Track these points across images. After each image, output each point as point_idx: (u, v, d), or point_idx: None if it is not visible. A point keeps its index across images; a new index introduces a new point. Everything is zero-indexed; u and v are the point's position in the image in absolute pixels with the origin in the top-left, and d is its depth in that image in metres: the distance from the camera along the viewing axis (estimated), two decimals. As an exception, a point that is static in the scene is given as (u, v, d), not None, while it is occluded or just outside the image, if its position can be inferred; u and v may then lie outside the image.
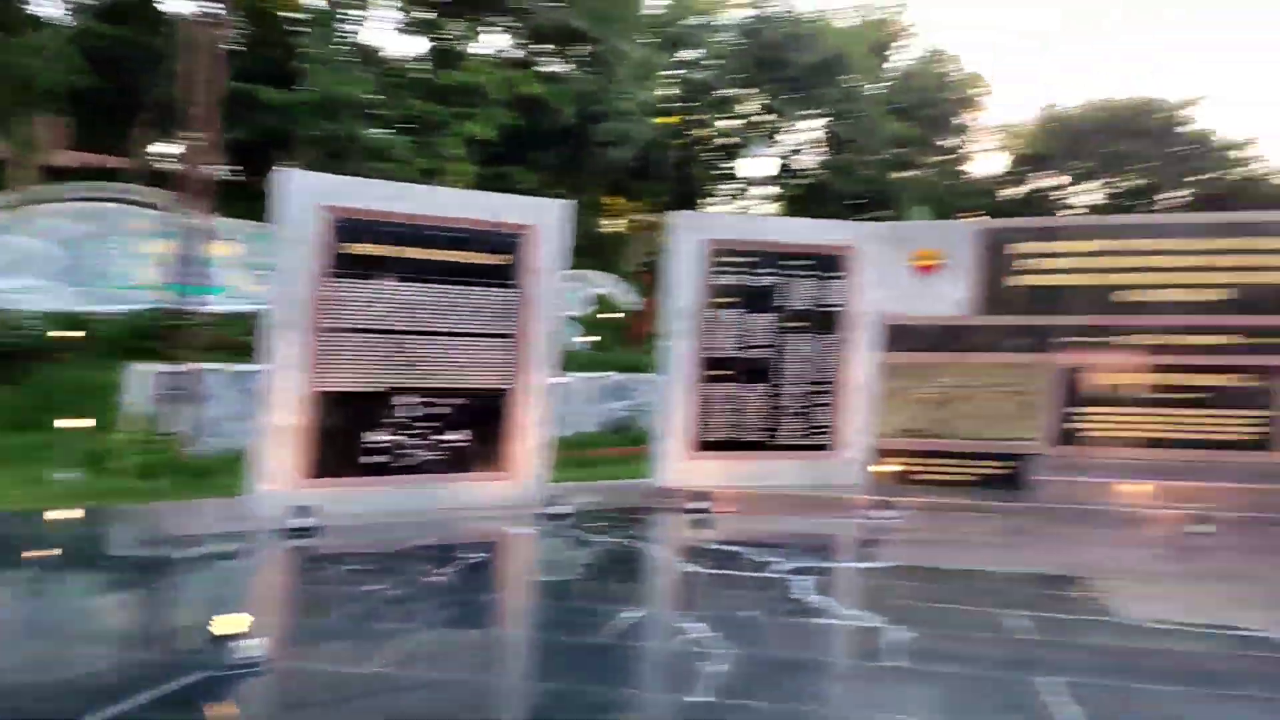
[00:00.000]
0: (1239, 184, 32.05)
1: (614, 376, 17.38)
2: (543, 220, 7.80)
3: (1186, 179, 31.75)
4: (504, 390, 7.62)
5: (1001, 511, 7.75)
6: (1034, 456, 8.50)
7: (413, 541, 6.07)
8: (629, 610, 4.44)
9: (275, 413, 6.74)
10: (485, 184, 20.70)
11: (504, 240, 7.63)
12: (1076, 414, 8.56)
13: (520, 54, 22.01)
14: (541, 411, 7.79)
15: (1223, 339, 8.26)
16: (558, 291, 7.90)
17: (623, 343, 20.45)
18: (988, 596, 4.95)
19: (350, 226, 7.03)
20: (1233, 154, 32.58)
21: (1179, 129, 31.72)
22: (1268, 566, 6.16)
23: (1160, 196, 32.20)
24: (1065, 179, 33.62)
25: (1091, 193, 33.91)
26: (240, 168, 24.38)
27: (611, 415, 16.98)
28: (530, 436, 7.72)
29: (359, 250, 7.09)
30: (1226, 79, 63.59)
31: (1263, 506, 7.46)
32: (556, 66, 23.34)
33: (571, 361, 17.21)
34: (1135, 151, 30.51)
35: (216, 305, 14.33)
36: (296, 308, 6.82)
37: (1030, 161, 32.96)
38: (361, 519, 6.82)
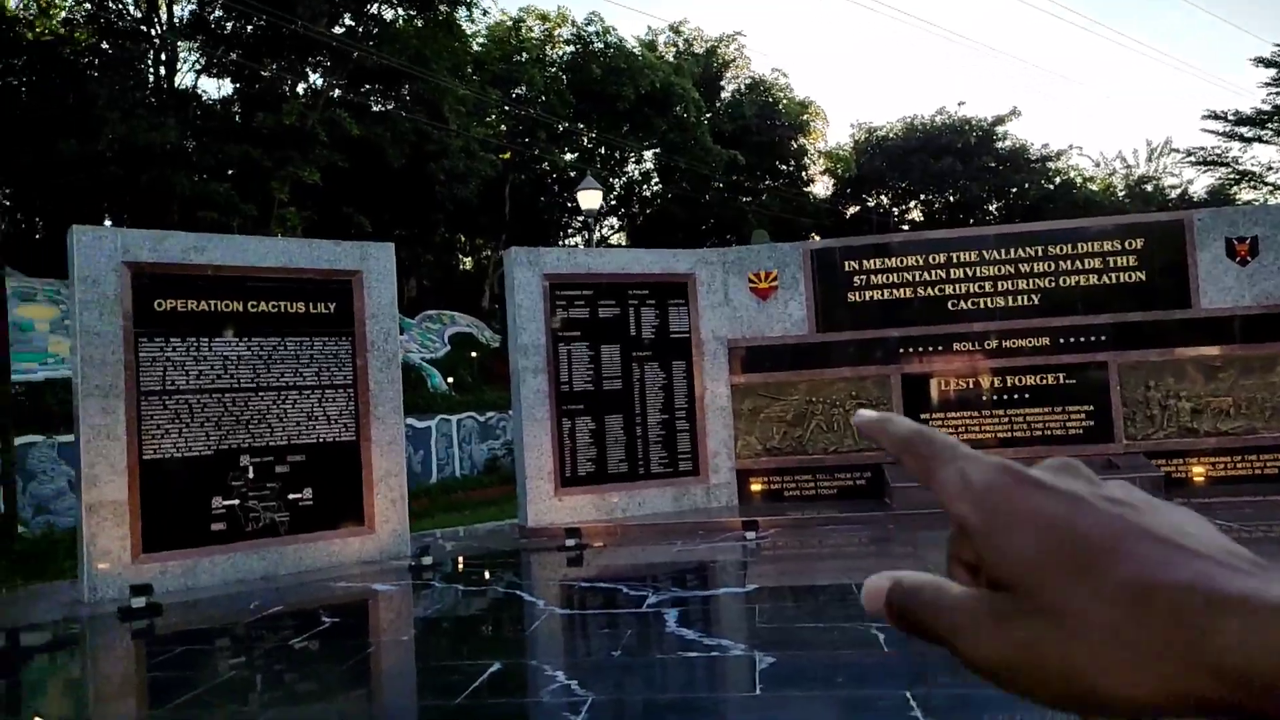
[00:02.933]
0: (1058, 190, 34.73)
1: (478, 417, 17.02)
2: (369, 265, 7.51)
3: (1011, 190, 34.10)
4: (349, 442, 7.27)
5: (863, 522, 7.95)
6: (889, 466, 8.78)
7: (262, 611, 5.63)
8: (497, 664, 4.23)
9: (100, 486, 6.18)
10: (322, 229, 19.96)
11: (329, 287, 7.30)
12: (925, 420, 8.91)
13: (344, 96, 21.43)
14: (395, 460, 7.47)
15: (1051, 339, 8.83)
16: (394, 335, 7.61)
17: (487, 381, 20.07)
18: (847, 612, 5.00)
19: (157, 282, 6.56)
20: (1049, 165, 35.28)
21: (997, 144, 34.09)
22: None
23: (980, 210, 34.47)
24: (885, 199, 35.56)
25: (911, 211, 35.97)
26: (40, 223, 22.64)
27: (480, 456, 16.61)
28: (385, 487, 7.38)
29: (171, 306, 6.62)
30: (1044, 92, 69.25)
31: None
32: (385, 107, 22.87)
33: (434, 404, 16.76)
34: (951, 170, 32.56)
35: (36, 373, 13.11)
36: (110, 372, 6.29)
37: (854, 183, 34.66)
38: (207, 591, 6.33)
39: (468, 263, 32.75)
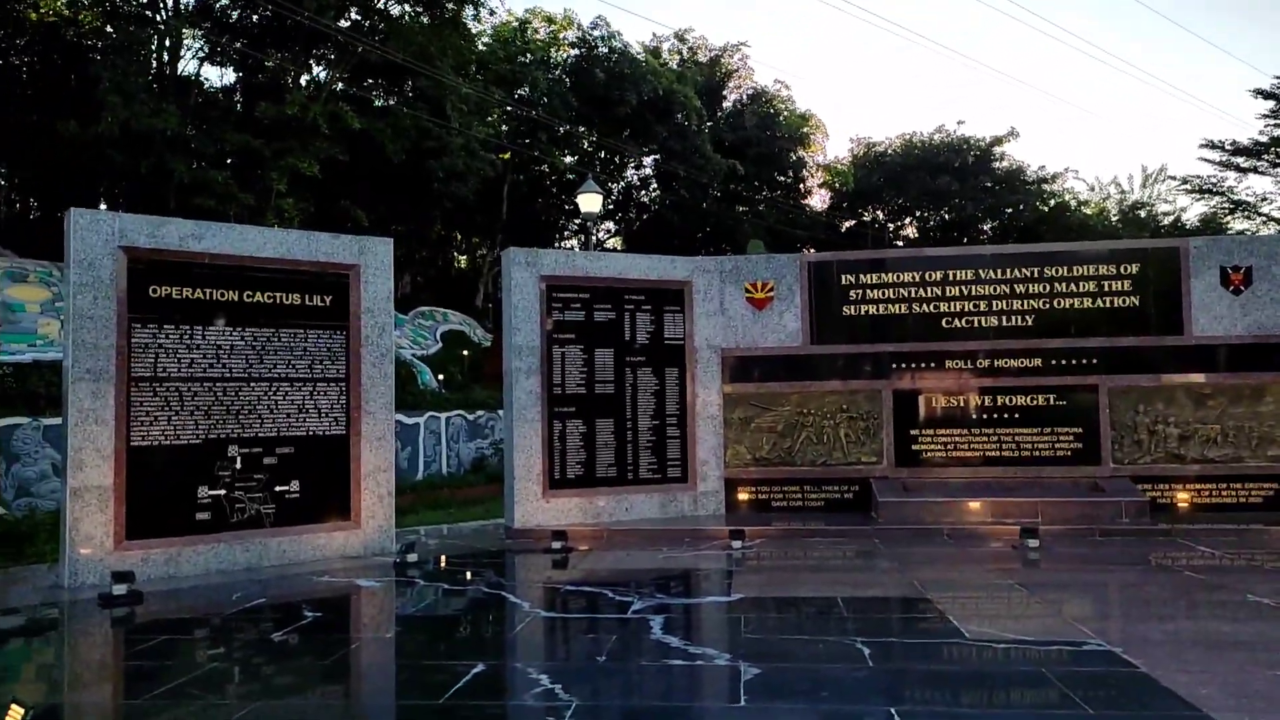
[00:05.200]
0: (1052, 213, 34.93)
1: (467, 415, 16.98)
2: (367, 259, 7.50)
3: (1006, 211, 34.27)
4: (338, 436, 7.24)
5: (849, 535, 7.95)
6: (877, 479, 8.80)
7: (244, 603, 5.60)
8: (480, 665, 4.21)
9: (85, 471, 6.14)
10: (318, 221, 19.92)
11: (325, 280, 7.29)
12: (915, 437, 8.95)
13: (346, 89, 21.40)
14: (384, 456, 7.44)
15: (1043, 360, 8.86)
16: (389, 331, 7.59)
17: (477, 380, 20.07)
18: (833, 625, 5.00)
19: (153, 268, 6.53)
20: (1044, 188, 35.48)
21: (994, 165, 34.27)
22: (1094, 577, 6.55)
23: (975, 230, 34.63)
24: (881, 214, 35.69)
25: (906, 228, 36.12)
26: (36, 205, 22.53)
27: (467, 455, 16.58)
28: (373, 483, 7.36)
29: (166, 293, 6.59)
30: (1041, 114, 69.70)
31: (1091, 519, 7.97)
32: (387, 102, 22.84)
33: (424, 401, 16.72)
34: (947, 188, 32.71)
35: (24, 354, 13.03)
36: (101, 356, 6.26)
37: (851, 198, 34.79)
38: (189, 581, 6.29)
39: (463, 261, 32.74)
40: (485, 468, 15.90)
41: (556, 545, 7.35)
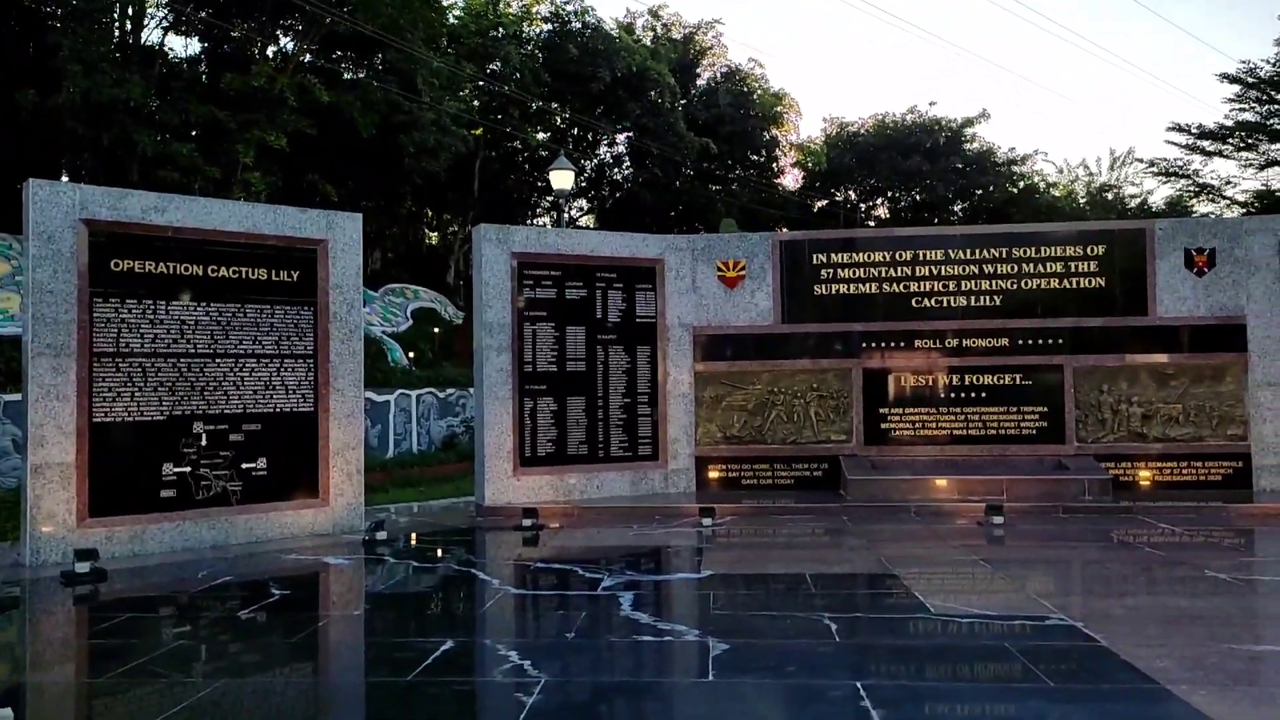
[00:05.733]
0: (1021, 194, 35.22)
1: (438, 393, 16.87)
2: (335, 234, 7.40)
3: (976, 192, 34.47)
4: (307, 413, 7.18)
5: (818, 512, 8.02)
6: (846, 457, 8.87)
7: (210, 581, 5.55)
8: (449, 642, 4.20)
9: (47, 448, 6.04)
10: (286, 196, 19.60)
11: (293, 255, 7.19)
12: (884, 415, 9.02)
13: (315, 61, 21.02)
14: (352, 433, 7.39)
15: (1010, 340, 8.95)
16: (358, 307, 7.52)
17: (448, 357, 19.93)
18: (801, 601, 5.05)
19: (115, 241, 6.41)
20: (1014, 169, 35.73)
21: (964, 146, 34.43)
22: (1057, 554, 6.65)
23: (945, 210, 34.84)
24: (853, 194, 35.81)
25: (878, 208, 36.28)
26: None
27: (438, 432, 16.49)
28: (342, 460, 7.30)
29: (129, 267, 6.47)
30: (1013, 96, 70.04)
31: (1055, 496, 8.09)
32: (356, 75, 22.47)
33: (394, 379, 16.58)
34: (919, 169, 32.83)
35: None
36: (62, 331, 6.14)
37: (824, 177, 34.83)
38: (154, 559, 6.23)
39: (434, 238, 32.44)
40: (456, 445, 15.82)
41: (527, 523, 7.35)
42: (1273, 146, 26.75)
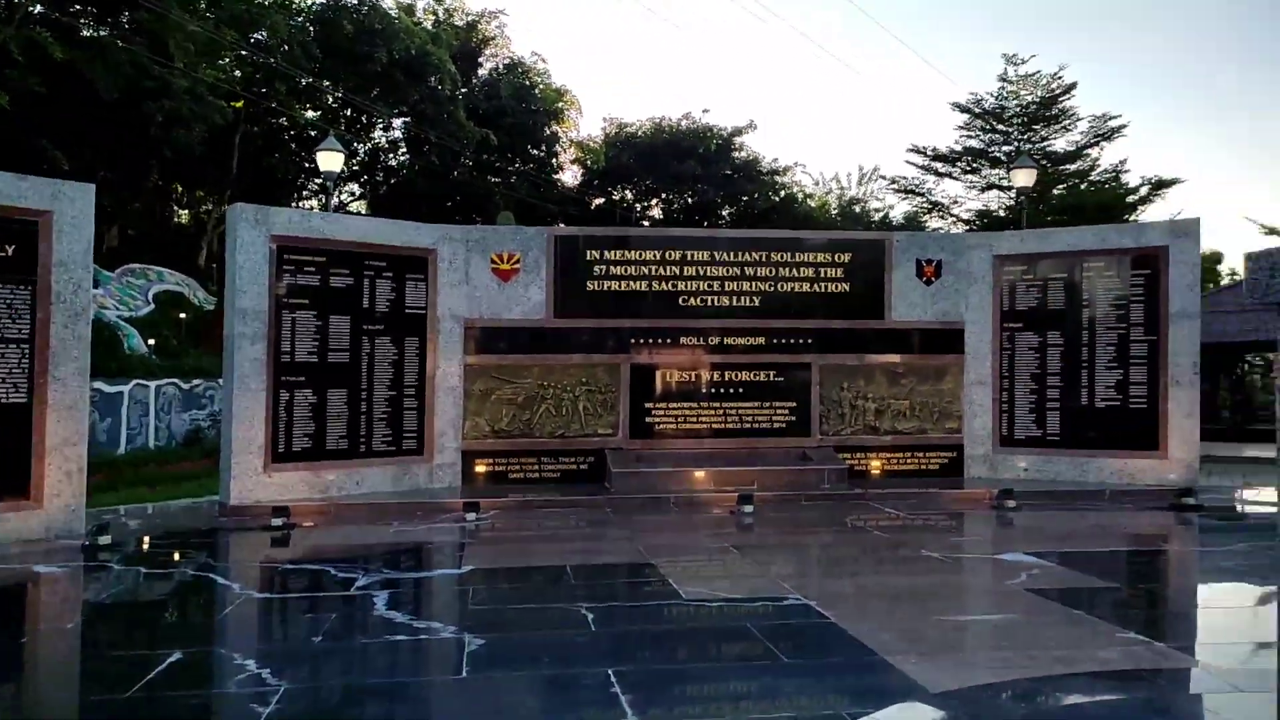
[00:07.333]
0: (782, 203, 37.44)
1: (182, 384, 15.56)
2: (62, 205, 6.65)
3: (742, 198, 36.25)
4: (19, 404, 6.40)
5: (583, 505, 8.14)
6: (612, 450, 9.06)
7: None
8: (177, 653, 3.89)
9: None
10: (9, 160, 17.36)
11: (10, 227, 6.39)
12: (649, 409, 9.30)
13: (47, 13, 18.77)
14: (74, 427, 6.66)
15: (766, 339, 9.50)
16: (87, 288, 6.79)
17: (196, 345, 18.41)
18: (560, 592, 5.11)
19: None
20: (777, 179, 37.93)
21: (734, 153, 36.13)
22: (797, 539, 7.14)
23: (715, 214, 36.46)
24: (630, 194, 36.77)
25: (653, 208, 37.45)
26: None
27: (180, 427, 15.22)
28: (60, 457, 6.56)
29: None
30: (777, 108, 74.09)
31: (799, 485, 8.68)
32: (98, 33, 20.28)
33: (132, 367, 15.09)
34: (692, 173, 34.14)
35: None
36: None
37: (602, 176, 35.46)
38: None
39: (184, 216, 29.92)
40: (201, 441, 14.69)
41: (277, 522, 6.95)
42: (993, 171, 30.10)
